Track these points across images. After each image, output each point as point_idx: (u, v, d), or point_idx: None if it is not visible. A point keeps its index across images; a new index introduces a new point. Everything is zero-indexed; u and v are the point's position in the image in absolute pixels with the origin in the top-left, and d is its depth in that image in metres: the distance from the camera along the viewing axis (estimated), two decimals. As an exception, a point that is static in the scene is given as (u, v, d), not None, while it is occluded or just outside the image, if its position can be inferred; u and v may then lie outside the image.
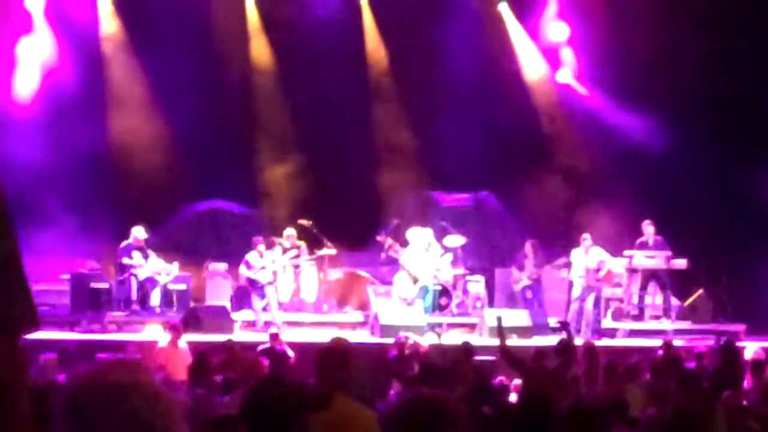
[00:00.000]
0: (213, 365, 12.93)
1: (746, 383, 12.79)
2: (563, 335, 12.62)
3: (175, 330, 15.00)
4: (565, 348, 12.04)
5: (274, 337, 15.11)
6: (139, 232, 18.32)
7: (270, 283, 18.25)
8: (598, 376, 11.65)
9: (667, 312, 19.47)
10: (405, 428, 3.42)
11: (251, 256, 18.34)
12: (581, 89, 22.90)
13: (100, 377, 2.38)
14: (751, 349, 13.88)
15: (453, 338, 17.04)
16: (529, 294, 19.40)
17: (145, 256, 18.28)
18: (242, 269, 18.50)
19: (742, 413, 8.67)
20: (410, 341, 14.63)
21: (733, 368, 12.57)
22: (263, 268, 18.25)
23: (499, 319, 12.40)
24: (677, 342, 16.10)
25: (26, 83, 20.86)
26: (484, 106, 21.83)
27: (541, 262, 19.48)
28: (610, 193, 21.07)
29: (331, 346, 6.20)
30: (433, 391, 3.50)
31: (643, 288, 19.59)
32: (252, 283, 18.26)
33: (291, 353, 14.72)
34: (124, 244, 18.33)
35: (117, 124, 21.23)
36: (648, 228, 19.31)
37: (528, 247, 19.53)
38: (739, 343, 15.65)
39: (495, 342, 14.59)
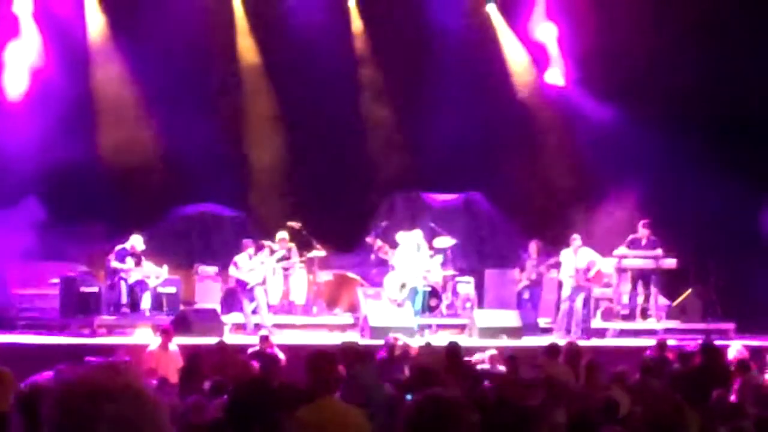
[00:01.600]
0: (204, 368, 12.88)
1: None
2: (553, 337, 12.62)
3: (166, 333, 14.94)
4: (553, 350, 12.04)
5: (264, 339, 15.07)
6: (137, 242, 18.26)
7: (259, 285, 18.24)
8: (579, 376, 11.62)
9: (648, 312, 19.47)
10: (418, 428, 3.45)
11: (240, 258, 18.35)
12: (563, 83, 22.98)
13: (89, 380, 2.38)
14: (734, 348, 13.89)
15: (443, 340, 17.01)
16: (526, 295, 19.41)
17: (138, 264, 18.23)
18: (231, 270, 18.51)
19: (735, 412, 8.68)
20: (400, 342, 14.60)
21: (717, 367, 12.55)
22: (252, 269, 18.24)
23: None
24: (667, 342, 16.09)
25: (15, 87, 20.80)
26: (473, 106, 21.84)
27: (541, 263, 19.49)
28: (599, 194, 21.09)
29: (322, 349, 6.22)
30: (447, 391, 3.53)
31: (633, 288, 19.61)
32: (241, 285, 18.24)
33: (282, 356, 14.68)
34: (119, 247, 18.22)
35: (106, 126, 21.19)
36: (643, 229, 19.31)
37: (532, 247, 19.53)
38: (727, 342, 15.70)
39: (485, 343, 14.60)
